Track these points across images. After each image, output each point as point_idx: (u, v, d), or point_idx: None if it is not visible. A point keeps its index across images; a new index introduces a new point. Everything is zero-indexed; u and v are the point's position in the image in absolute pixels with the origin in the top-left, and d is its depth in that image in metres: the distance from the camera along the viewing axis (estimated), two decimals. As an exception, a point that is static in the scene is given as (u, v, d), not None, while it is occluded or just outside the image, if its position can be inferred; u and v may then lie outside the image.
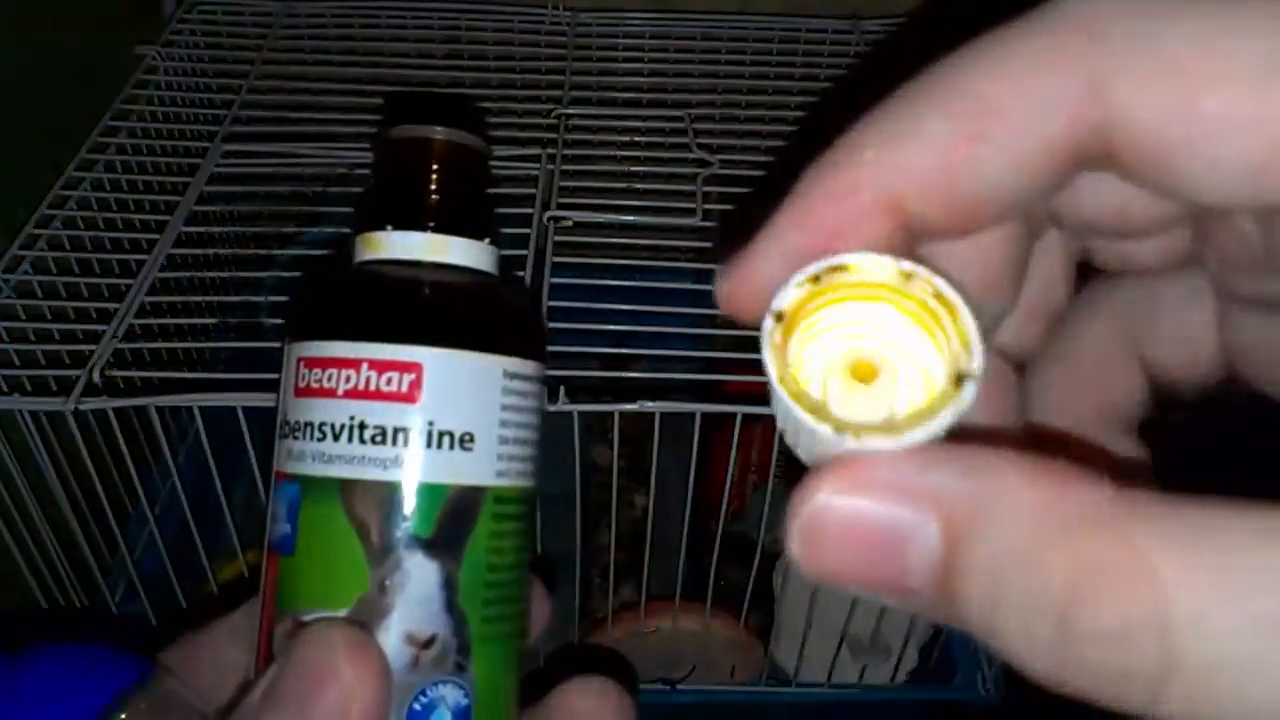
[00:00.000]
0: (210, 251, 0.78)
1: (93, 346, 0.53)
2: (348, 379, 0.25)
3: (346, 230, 0.62)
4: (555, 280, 0.58)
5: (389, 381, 0.25)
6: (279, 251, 0.86)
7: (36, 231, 0.61)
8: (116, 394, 0.51)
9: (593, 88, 0.80)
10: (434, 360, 0.25)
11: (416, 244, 0.27)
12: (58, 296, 0.60)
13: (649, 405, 0.51)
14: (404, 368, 0.25)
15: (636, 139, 0.72)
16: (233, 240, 0.91)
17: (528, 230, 0.61)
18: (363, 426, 0.25)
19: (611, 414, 0.56)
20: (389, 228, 0.28)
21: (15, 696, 0.24)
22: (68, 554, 0.60)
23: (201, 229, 0.70)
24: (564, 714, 0.27)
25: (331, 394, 0.25)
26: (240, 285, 0.89)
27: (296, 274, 0.66)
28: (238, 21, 0.82)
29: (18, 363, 0.54)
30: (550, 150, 0.68)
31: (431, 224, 0.27)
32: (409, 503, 0.25)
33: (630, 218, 0.65)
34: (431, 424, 0.25)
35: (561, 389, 0.51)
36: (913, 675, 0.68)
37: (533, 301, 0.30)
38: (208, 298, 0.79)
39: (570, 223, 0.62)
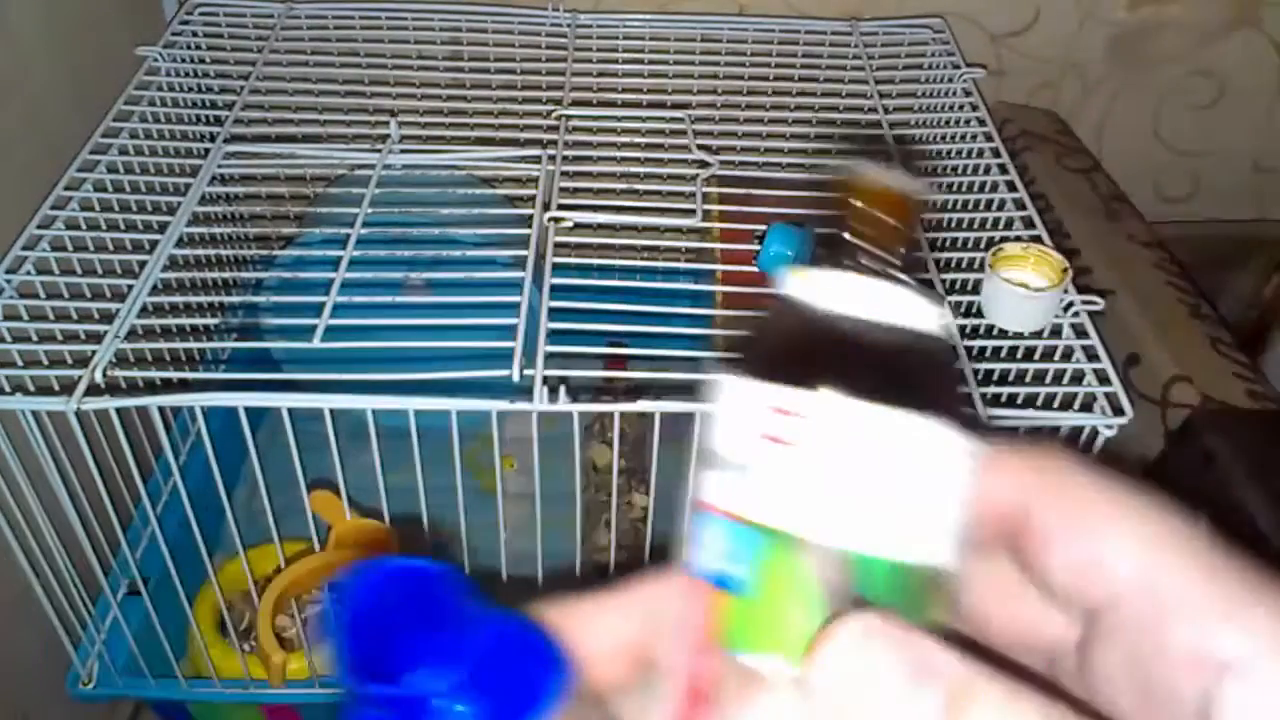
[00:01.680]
0: (212, 252, 0.78)
1: (95, 346, 0.53)
2: (814, 434, 0.24)
3: (347, 231, 0.62)
4: (555, 280, 0.58)
5: (857, 443, 0.24)
6: (281, 252, 0.86)
7: (39, 232, 0.61)
8: (119, 394, 0.52)
9: (593, 89, 0.80)
10: (903, 428, 0.24)
11: (893, 304, 0.25)
12: (60, 297, 0.60)
13: (649, 405, 0.51)
14: (874, 431, 0.24)
15: (636, 140, 0.72)
16: (235, 241, 0.91)
17: (528, 230, 0.61)
18: (826, 483, 0.24)
19: (611, 414, 0.56)
20: (857, 276, 0.26)
21: (472, 684, 0.23)
22: (70, 553, 0.61)
23: (203, 229, 0.70)
24: None
25: (795, 446, 0.24)
26: (242, 285, 0.89)
27: (297, 274, 0.66)
28: (239, 23, 0.83)
29: (20, 363, 0.54)
30: (551, 151, 0.68)
31: (907, 281, 0.26)
32: (872, 573, 0.25)
33: (630, 218, 0.66)
34: (901, 498, 0.24)
35: (562, 389, 0.52)
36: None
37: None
38: (210, 297, 0.80)
39: (570, 223, 0.63)
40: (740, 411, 0.25)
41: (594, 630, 0.27)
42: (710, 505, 0.26)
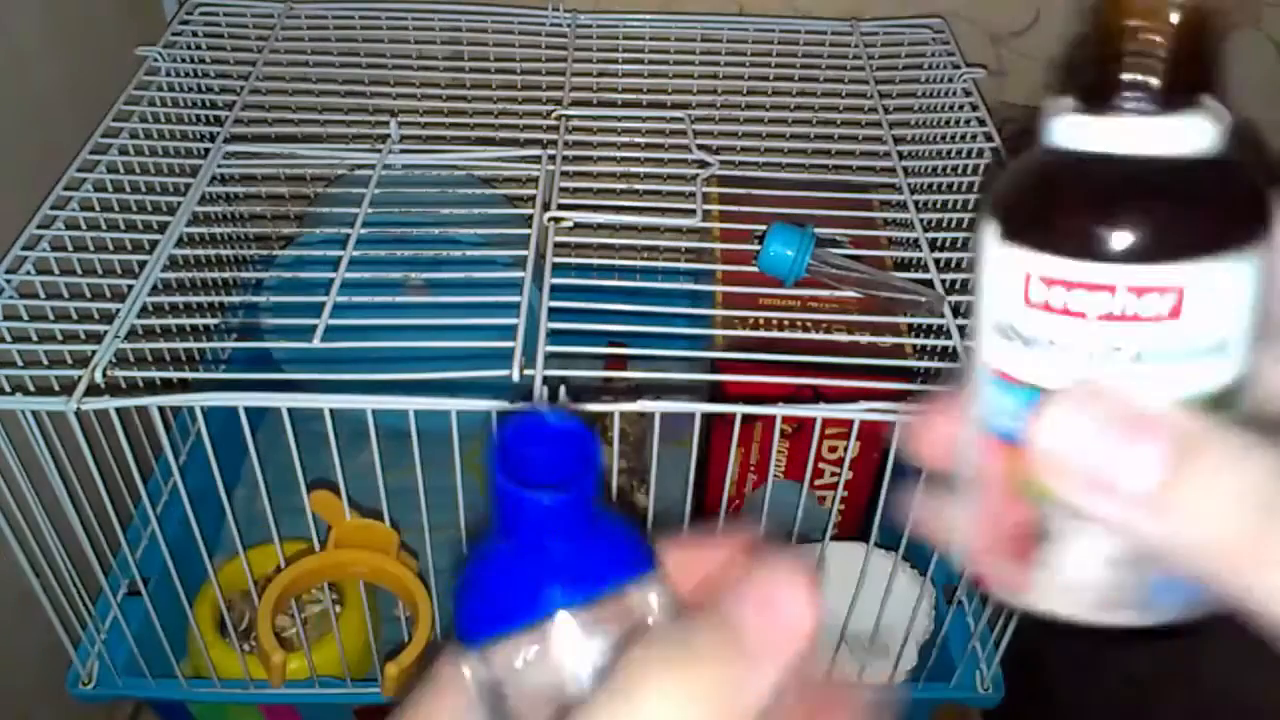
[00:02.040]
0: (212, 252, 0.78)
1: (95, 346, 0.53)
2: (1101, 304, 0.24)
3: (347, 231, 0.62)
4: (555, 280, 0.58)
5: (1148, 306, 0.24)
6: (280, 252, 0.86)
7: (39, 231, 0.61)
8: (119, 394, 0.52)
9: (593, 89, 0.80)
10: (1197, 277, 0.23)
11: (1163, 133, 0.24)
12: (60, 297, 0.60)
13: (649, 405, 0.51)
14: (1165, 289, 0.24)
15: (636, 140, 0.73)
16: (234, 240, 0.91)
17: (528, 230, 0.61)
18: (1117, 350, 0.24)
19: (611, 414, 0.56)
20: (1127, 112, 0.24)
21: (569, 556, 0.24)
22: (70, 553, 0.61)
23: (203, 229, 0.70)
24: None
25: (1081, 316, 0.24)
26: (242, 285, 0.89)
27: (297, 274, 0.66)
28: (239, 23, 0.83)
29: (20, 363, 0.54)
30: (551, 151, 0.68)
31: (1182, 107, 0.24)
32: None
33: (630, 218, 0.66)
34: (1191, 341, 0.24)
35: (562, 389, 0.52)
36: (912, 674, 0.68)
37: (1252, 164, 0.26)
38: (210, 297, 0.80)
39: (570, 223, 0.63)
40: (1023, 280, 0.25)
41: (684, 557, 0.27)
42: (996, 369, 0.26)
